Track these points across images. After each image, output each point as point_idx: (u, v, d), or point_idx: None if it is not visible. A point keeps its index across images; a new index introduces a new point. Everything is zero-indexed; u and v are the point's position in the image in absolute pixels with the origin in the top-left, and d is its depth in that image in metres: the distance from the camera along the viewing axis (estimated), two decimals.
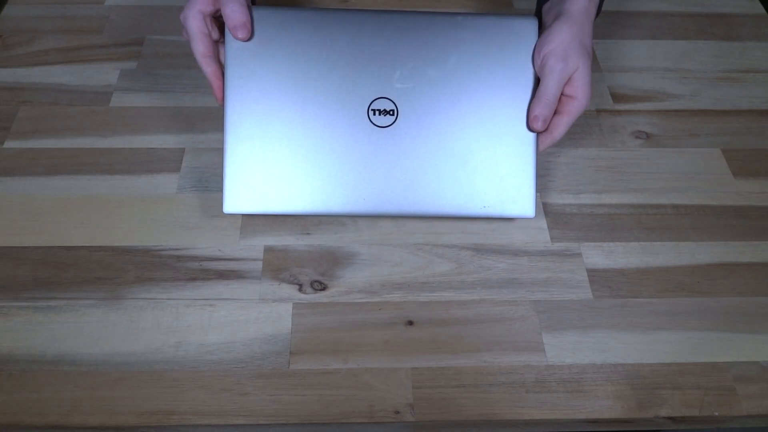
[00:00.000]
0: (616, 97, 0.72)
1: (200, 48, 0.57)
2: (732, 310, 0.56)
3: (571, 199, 0.63)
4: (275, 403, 0.50)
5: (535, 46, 0.57)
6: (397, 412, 0.50)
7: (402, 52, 0.57)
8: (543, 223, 0.61)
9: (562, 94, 0.56)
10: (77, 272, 0.56)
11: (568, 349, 0.53)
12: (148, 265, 0.57)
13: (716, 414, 0.50)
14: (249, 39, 0.56)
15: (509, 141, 0.57)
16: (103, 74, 0.72)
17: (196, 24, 0.56)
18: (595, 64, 0.75)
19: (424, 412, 0.50)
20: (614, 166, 0.66)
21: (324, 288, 0.56)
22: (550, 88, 0.55)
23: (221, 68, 0.57)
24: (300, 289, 0.56)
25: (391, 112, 0.57)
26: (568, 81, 0.56)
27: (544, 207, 0.62)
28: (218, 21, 0.58)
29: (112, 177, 0.63)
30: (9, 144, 0.65)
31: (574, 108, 0.56)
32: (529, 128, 0.56)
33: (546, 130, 0.57)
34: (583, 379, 0.52)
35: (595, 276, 0.58)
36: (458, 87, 0.57)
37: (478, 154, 0.57)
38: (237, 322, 0.54)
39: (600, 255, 0.59)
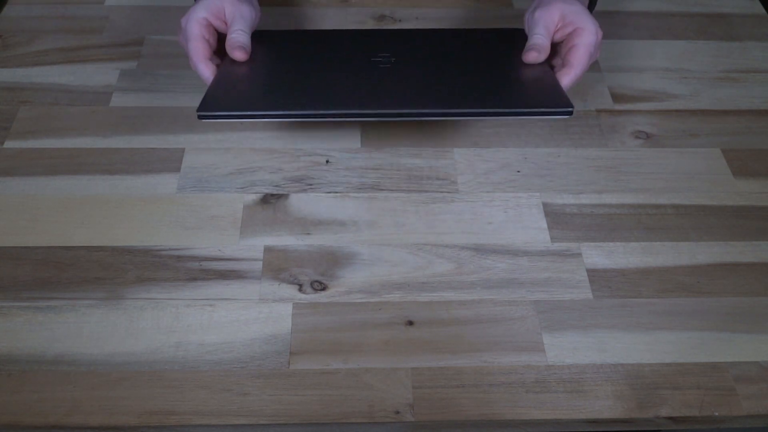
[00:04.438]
0: (616, 97, 0.72)
1: (198, 50, 0.58)
2: (732, 310, 0.56)
3: (571, 199, 0.63)
4: (275, 403, 0.50)
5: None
6: (397, 412, 0.50)
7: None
8: (543, 223, 0.61)
9: (566, 30, 0.59)
10: (77, 272, 0.56)
11: (568, 349, 0.53)
12: (148, 265, 0.57)
13: (716, 414, 0.50)
14: (245, 59, 0.60)
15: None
16: (103, 74, 0.72)
17: (197, 28, 0.58)
18: (595, 64, 0.75)
19: (424, 412, 0.50)
20: (614, 166, 0.66)
21: (324, 288, 0.56)
22: (538, 25, 0.59)
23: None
24: (300, 289, 0.56)
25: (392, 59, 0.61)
26: (568, 18, 0.59)
27: (544, 207, 0.62)
28: (218, 32, 0.61)
29: (112, 177, 0.63)
30: (9, 144, 0.65)
31: (585, 37, 0.58)
32: (526, 60, 0.59)
33: (558, 64, 0.60)
34: (583, 379, 0.52)
35: (595, 276, 0.58)
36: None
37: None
38: (237, 322, 0.54)
39: (600, 255, 0.59)
